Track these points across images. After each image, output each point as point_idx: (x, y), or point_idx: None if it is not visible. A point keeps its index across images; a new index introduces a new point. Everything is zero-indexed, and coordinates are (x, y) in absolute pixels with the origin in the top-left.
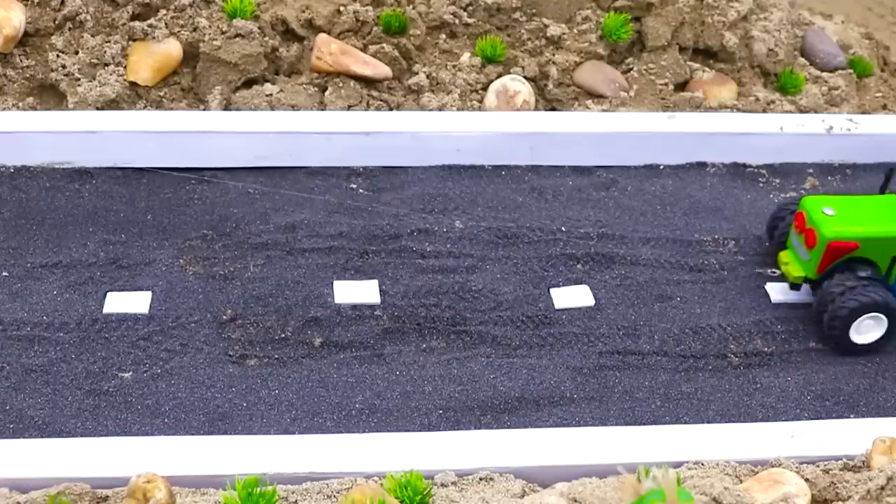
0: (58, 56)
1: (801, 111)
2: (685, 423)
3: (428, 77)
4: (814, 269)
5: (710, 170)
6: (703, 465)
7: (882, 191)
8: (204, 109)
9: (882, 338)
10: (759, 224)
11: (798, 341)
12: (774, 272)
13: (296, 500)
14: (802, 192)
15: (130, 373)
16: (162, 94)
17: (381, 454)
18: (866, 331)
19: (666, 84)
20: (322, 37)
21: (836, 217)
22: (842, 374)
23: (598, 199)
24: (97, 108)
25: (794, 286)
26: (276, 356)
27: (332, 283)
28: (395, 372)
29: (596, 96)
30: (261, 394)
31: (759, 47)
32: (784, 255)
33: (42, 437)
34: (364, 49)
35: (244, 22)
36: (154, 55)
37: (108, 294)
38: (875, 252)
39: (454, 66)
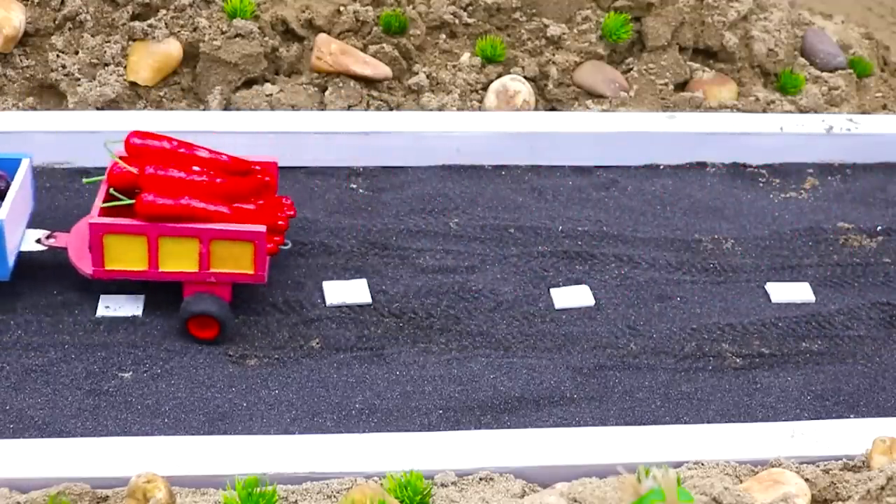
0: (58, 56)
1: (801, 111)
2: (685, 423)
3: (428, 77)
4: None
5: (710, 170)
6: (703, 465)
7: None
8: (204, 109)
9: None
10: (759, 224)
11: (798, 341)
12: None
13: (296, 500)
14: (802, 192)
15: (130, 373)
16: (162, 94)
17: (381, 454)
18: None
19: (666, 84)
20: (322, 37)
21: None
22: (842, 374)
23: (598, 199)
24: (97, 108)
25: None
26: (276, 356)
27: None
28: (395, 372)
29: (596, 96)
30: (261, 394)
31: (759, 47)
32: None
33: (42, 437)
34: (364, 49)
35: (244, 22)
36: (154, 55)
37: (101, 297)
38: None
39: (454, 66)
